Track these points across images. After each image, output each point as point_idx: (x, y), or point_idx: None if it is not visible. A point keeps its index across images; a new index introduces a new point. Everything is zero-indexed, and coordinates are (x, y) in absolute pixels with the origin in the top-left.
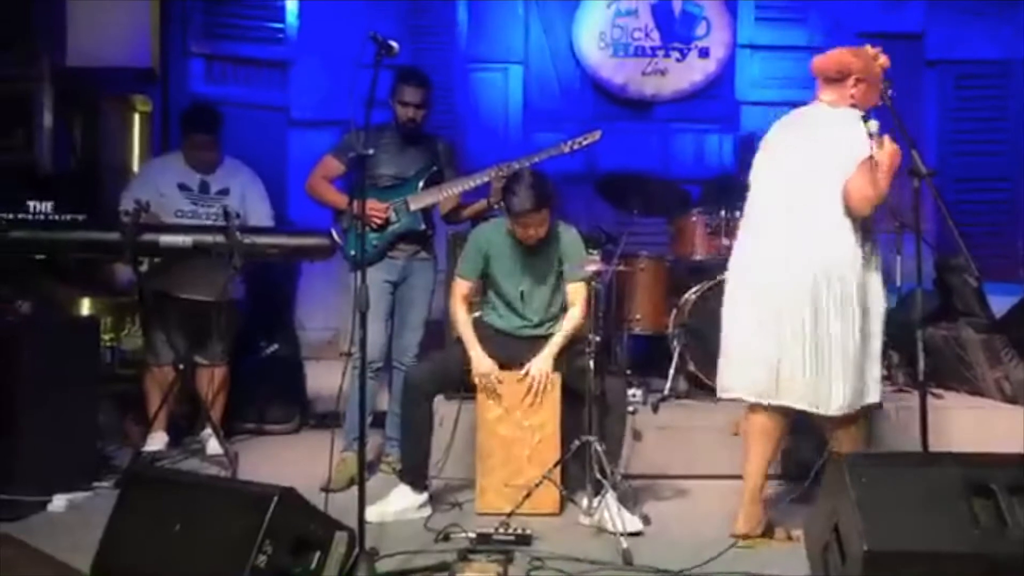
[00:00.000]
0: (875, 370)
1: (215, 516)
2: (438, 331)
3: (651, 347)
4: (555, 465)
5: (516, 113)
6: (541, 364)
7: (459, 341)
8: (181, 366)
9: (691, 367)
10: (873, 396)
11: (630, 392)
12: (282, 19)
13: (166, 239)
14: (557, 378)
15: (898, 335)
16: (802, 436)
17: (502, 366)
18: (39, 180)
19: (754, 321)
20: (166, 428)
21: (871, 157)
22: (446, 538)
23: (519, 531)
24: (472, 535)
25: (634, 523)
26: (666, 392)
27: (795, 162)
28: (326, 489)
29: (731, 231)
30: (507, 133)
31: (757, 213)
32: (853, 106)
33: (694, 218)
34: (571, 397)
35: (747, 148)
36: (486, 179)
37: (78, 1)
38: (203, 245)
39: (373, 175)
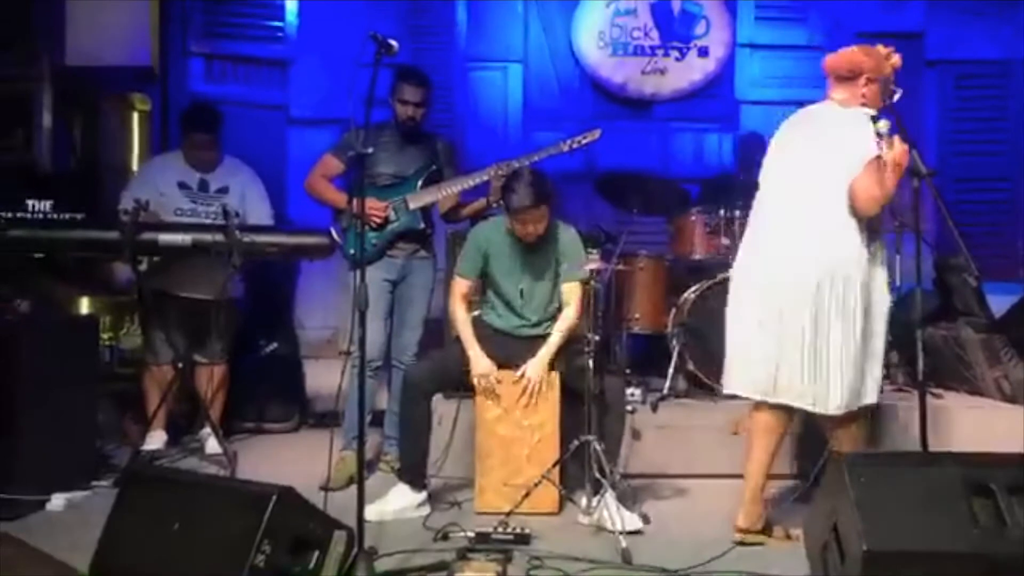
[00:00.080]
0: (876, 371)
1: (214, 515)
2: (437, 330)
3: (650, 346)
4: (554, 465)
5: (515, 112)
6: (536, 367)
7: (458, 340)
8: (180, 365)
9: (690, 366)
10: (871, 397)
11: (629, 391)
12: (282, 18)
13: (165, 238)
14: (556, 378)
15: (898, 335)
16: (803, 435)
17: (501, 366)
18: (38, 179)
19: (756, 320)
20: (165, 427)
21: (879, 157)
22: (445, 537)
23: (518, 530)
24: (471, 534)
25: (633, 522)
26: (665, 391)
27: (802, 161)
28: (325, 488)
29: (730, 230)
30: (506, 132)
31: (764, 211)
32: (864, 105)
33: (693, 217)
34: (570, 396)
35: (747, 147)
36: (485, 178)
37: (77, 0)
38: (202, 244)
39: (372, 174)
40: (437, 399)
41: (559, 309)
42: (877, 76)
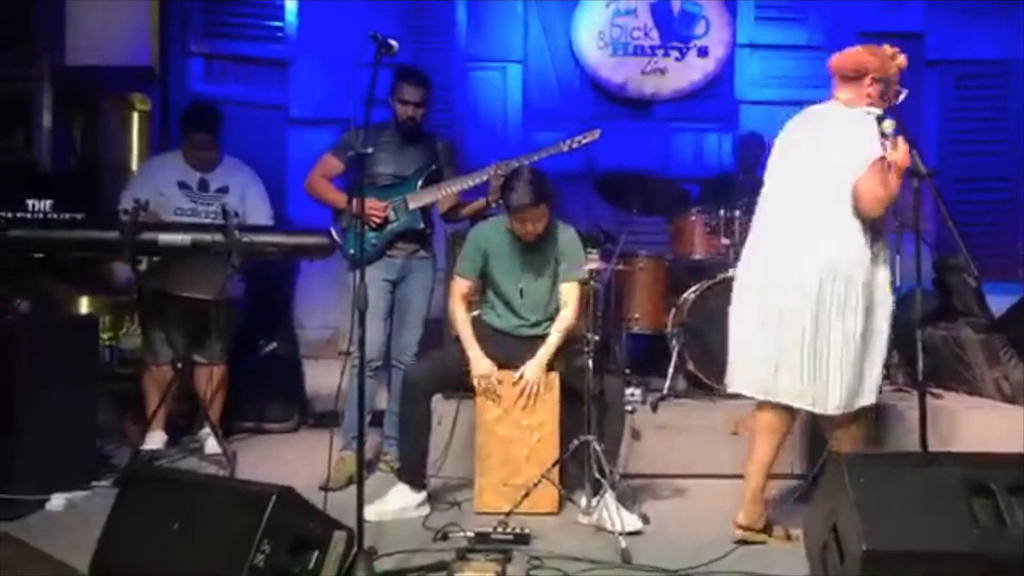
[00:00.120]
0: (875, 372)
1: (213, 515)
2: (437, 330)
3: (650, 346)
4: (554, 465)
5: (515, 112)
6: (534, 369)
7: (458, 340)
8: (180, 365)
9: (690, 366)
10: (869, 398)
11: (629, 391)
12: (281, 18)
13: (165, 238)
14: (556, 378)
15: (898, 335)
16: (803, 436)
17: (500, 366)
18: (38, 179)
19: (757, 319)
20: (165, 427)
21: (883, 158)
22: (444, 537)
23: (517, 530)
24: (470, 534)
25: (633, 522)
26: (665, 391)
27: (806, 160)
28: (325, 488)
29: (730, 230)
30: (506, 132)
31: (767, 210)
32: (870, 105)
33: (693, 217)
34: (570, 396)
35: (746, 147)
36: (485, 178)
37: (77, 0)
38: (202, 244)
39: (372, 174)
40: (437, 399)
41: (558, 309)
42: (882, 76)
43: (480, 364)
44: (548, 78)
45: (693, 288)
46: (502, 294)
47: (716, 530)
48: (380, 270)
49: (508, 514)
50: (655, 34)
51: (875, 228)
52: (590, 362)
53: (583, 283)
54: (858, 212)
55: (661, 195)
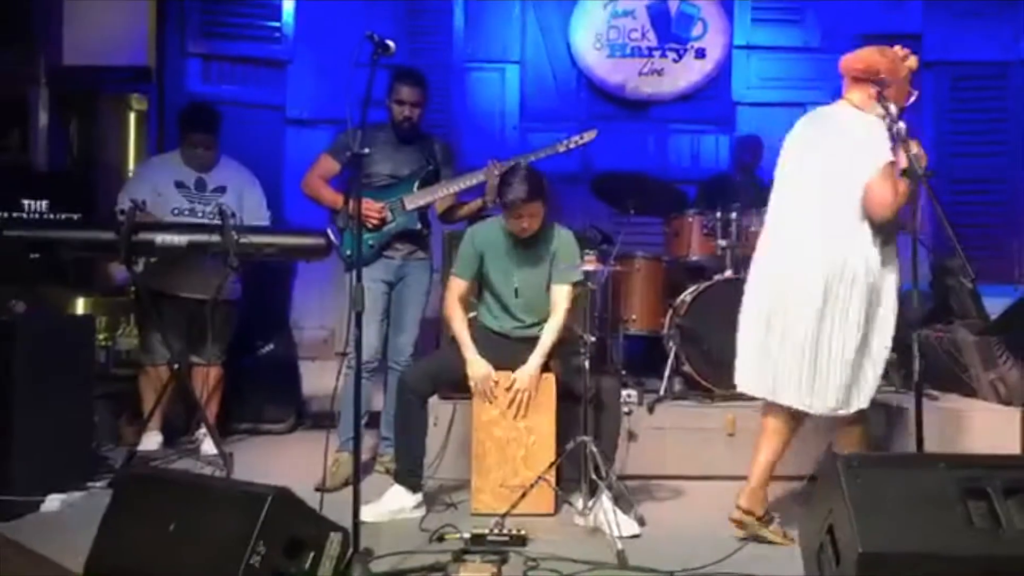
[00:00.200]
0: (871, 376)
1: (209, 516)
2: (434, 331)
3: (647, 347)
4: (550, 466)
5: (512, 113)
6: (525, 375)
7: (454, 341)
8: (176, 366)
9: (686, 368)
10: (861, 402)
11: (625, 392)
12: (279, 18)
13: (161, 238)
14: (552, 379)
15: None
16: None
17: (497, 367)
18: (35, 179)
19: (763, 319)
20: (161, 428)
21: (893, 162)
22: (441, 539)
23: (514, 531)
24: (467, 535)
25: (630, 526)
26: (661, 393)
27: (816, 161)
28: (321, 489)
29: (727, 232)
30: (503, 133)
31: (777, 211)
32: (881, 107)
33: (690, 219)
34: (566, 397)
35: (743, 149)
36: (482, 178)
37: (75, 0)
38: (198, 244)
39: (369, 174)
40: (433, 401)
41: None
42: (893, 77)
43: (476, 365)
44: (545, 79)
45: (690, 289)
46: (497, 295)
47: (713, 531)
48: (377, 271)
49: (504, 515)
50: (652, 35)
51: (885, 230)
52: (586, 363)
53: (576, 286)
54: (867, 215)
55: (658, 196)
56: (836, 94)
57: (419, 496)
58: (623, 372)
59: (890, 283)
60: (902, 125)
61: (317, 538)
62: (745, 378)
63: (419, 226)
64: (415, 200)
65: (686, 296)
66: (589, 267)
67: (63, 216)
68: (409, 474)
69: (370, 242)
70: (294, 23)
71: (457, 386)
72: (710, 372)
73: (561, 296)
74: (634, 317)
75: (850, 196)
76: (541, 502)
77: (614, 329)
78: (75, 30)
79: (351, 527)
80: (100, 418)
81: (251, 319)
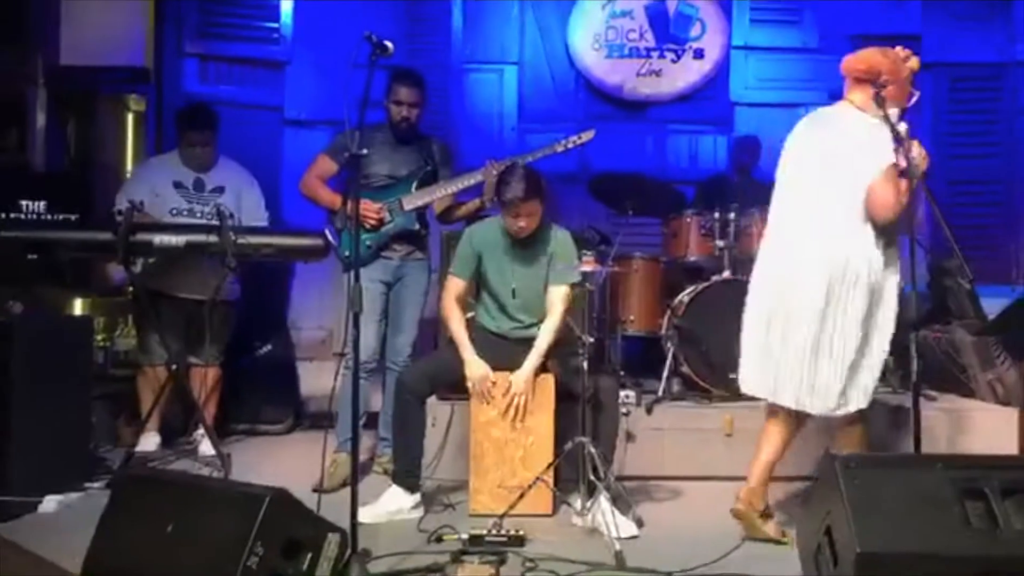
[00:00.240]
0: (868, 377)
1: (207, 517)
2: (432, 332)
3: (645, 348)
4: (548, 467)
5: (511, 114)
6: (521, 379)
7: (452, 342)
8: (174, 366)
9: (684, 368)
10: (861, 402)
11: (624, 393)
12: (277, 19)
13: (159, 239)
14: (551, 380)
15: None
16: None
17: (495, 368)
18: (32, 179)
19: (764, 320)
20: (159, 429)
21: (895, 164)
22: (439, 539)
23: (512, 532)
24: (465, 536)
25: (628, 528)
26: (660, 393)
27: (818, 163)
28: (319, 490)
29: (725, 232)
30: (502, 134)
31: (779, 212)
32: (882, 108)
33: (688, 219)
34: (565, 398)
35: (741, 150)
36: (480, 178)
37: (73, 0)
38: (196, 245)
39: (367, 175)
40: (431, 401)
41: None
42: (895, 78)
43: (474, 366)
44: (544, 80)
45: (688, 290)
46: (495, 295)
47: (711, 532)
48: (375, 272)
49: (503, 516)
50: (651, 36)
51: (887, 232)
52: (585, 364)
53: (573, 287)
54: (870, 216)
55: (656, 197)
56: (834, 95)
57: (417, 497)
58: (621, 373)
59: (892, 284)
60: (904, 126)
61: (315, 539)
62: (748, 379)
63: (417, 227)
64: (413, 201)
65: (684, 297)
66: (587, 268)
67: (61, 217)
68: (407, 475)
69: (368, 243)
70: (292, 24)
71: (455, 387)
72: (708, 373)
73: (558, 297)
74: (632, 318)
75: (852, 197)
76: (539, 503)
77: (612, 330)
78: (72, 30)
79: (349, 528)
80: (98, 419)
81: (249, 320)
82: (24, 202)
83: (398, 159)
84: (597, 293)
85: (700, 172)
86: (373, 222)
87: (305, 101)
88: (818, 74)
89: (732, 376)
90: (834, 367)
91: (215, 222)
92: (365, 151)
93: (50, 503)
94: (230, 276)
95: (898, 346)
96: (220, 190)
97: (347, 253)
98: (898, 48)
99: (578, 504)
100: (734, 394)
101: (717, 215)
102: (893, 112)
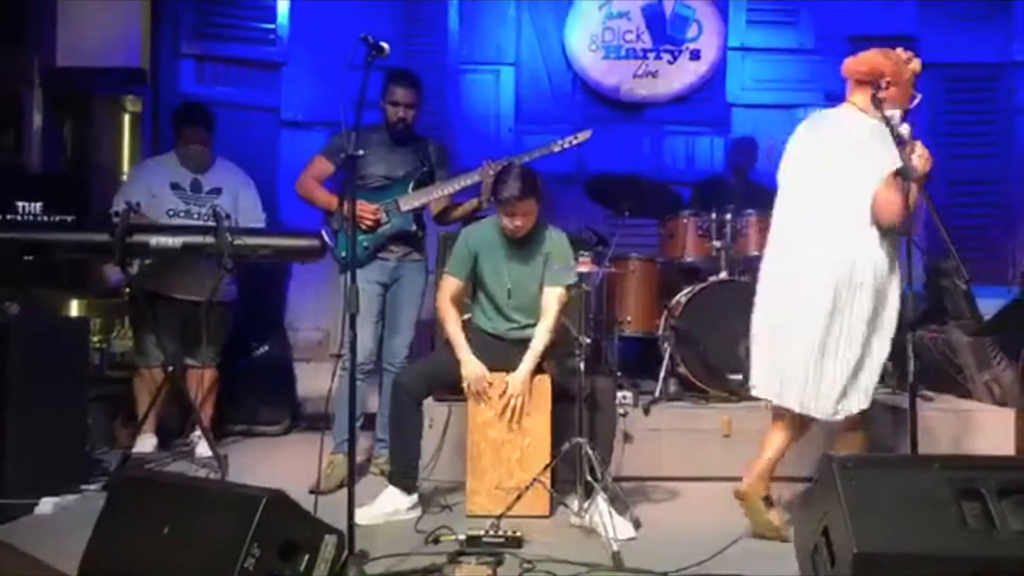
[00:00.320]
0: (868, 379)
1: (203, 519)
2: (429, 333)
3: (641, 349)
4: (545, 467)
5: (508, 115)
6: (518, 381)
7: (449, 343)
8: (171, 368)
9: (682, 369)
10: (862, 403)
11: (620, 394)
12: (273, 20)
13: (156, 240)
14: (547, 381)
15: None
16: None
17: (492, 369)
18: (28, 180)
19: (770, 323)
20: (155, 430)
21: (896, 172)
22: (436, 540)
23: (509, 533)
24: (462, 537)
25: (626, 529)
26: (656, 394)
27: (822, 166)
28: (316, 491)
29: (722, 233)
30: (498, 135)
31: (784, 215)
32: (884, 110)
33: (685, 220)
34: (561, 399)
35: (738, 151)
36: (477, 178)
37: (69, 1)
38: (193, 246)
39: (363, 176)
40: (428, 402)
41: None
42: (897, 79)
43: (470, 365)
44: (540, 81)
45: (685, 291)
46: (491, 296)
47: (709, 532)
48: (372, 273)
49: (500, 517)
50: (647, 37)
51: (891, 234)
52: (582, 364)
53: (569, 288)
54: (875, 220)
55: (653, 198)
56: (831, 96)
57: (414, 498)
58: (618, 373)
59: (895, 285)
60: (906, 127)
61: (312, 540)
62: (757, 382)
63: (414, 227)
64: (410, 201)
65: (681, 297)
66: (584, 269)
67: (57, 218)
68: (404, 475)
69: (364, 244)
70: (288, 25)
71: (452, 388)
72: (705, 373)
73: (552, 298)
74: (629, 319)
75: (856, 200)
76: (536, 504)
77: (609, 331)
78: (69, 31)
79: (346, 529)
80: (94, 420)
81: (246, 321)
82: (20, 203)
83: (394, 160)
84: (594, 294)
85: (697, 173)
86: (370, 223)
87: (301, 102)
88: (815, 75)
89: (729, 377)
90: (839, 369)
91: (212, 223)
92: (361, 152)
93: (46, 505)
94: (227, 277)
95: (895, 347)
96: (217, 191)
97: (344, 254)
98: (900, 50)
99: (575, 505)
100: (731, 395)
101: (714, 216)
102: (895, 114)
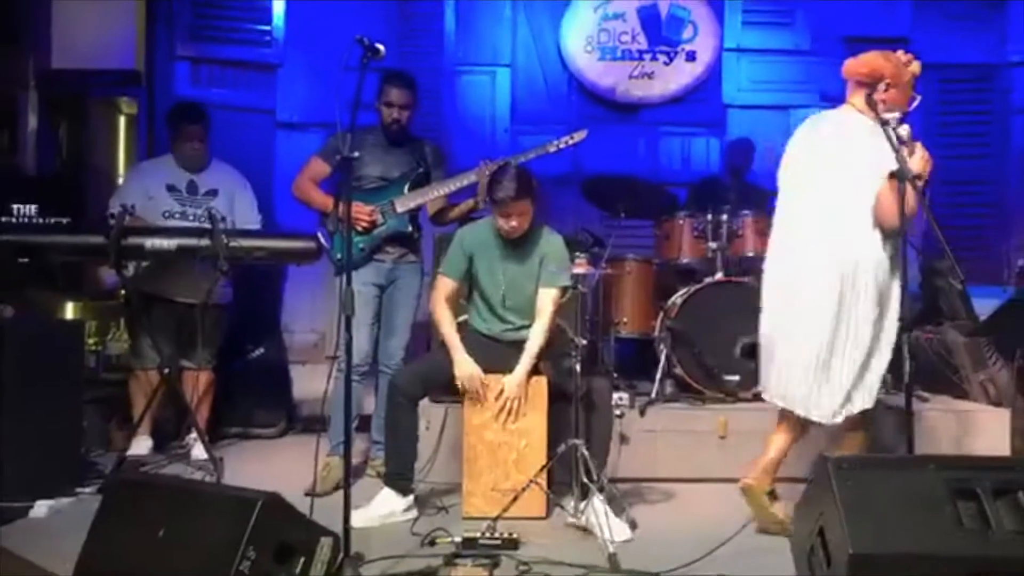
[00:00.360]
0: (874, 376)
1: (199, 521)
2: (424, 334)
3: (638, 350)
4: (542, 469)
5: (503, 116)
6: (513, 383)
7: (444, 344)
8: (167, 370)
9: (678, 370)
10: (866, 402)
11: (617, 395)
12: (269, 22)
13: (151, 243)
14: (543, 382)
15: None
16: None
17: (487, 370)
18: (23, 182)
19: (775, 326)
20: (151, 433)
21: (894, 175)
22: (432, 542)
23: (506, 535)
24: (458, 539)
25: (622, 531)
26: (653, 395)
27: (821, 166)
28: (311, 494)
29: (718, 234)
30: (494, 136)
31: (783, 216)
32: (884, 111)
33: (681, 221)
34: (558, 400)
35: (734, 152)
36: (473, 179)
37: (64, 2)
38: (188, 248)
39: (359, 177)
40: (424, 404)
41: None
42: (896, 81)
43: (464, 365)
44: (536, 82)
45: (681, 292)
46: (486, 297)
47: (705, 534)
48: (367, 274)
49: (496, 519)
50: (643, 38)
51: (893, 236)
52: (578, 365)
53: (564, 290)
54: (879, 222)
55: (649, 199)
56: (826, 97)
57: (410, 499)
58: (614, 375)
59: (896, 286)
60: (906, 129)
61: (307, 543)
62: (766, 385)
63: (410, 229)
64: (406, 202)
65: (677, 299)
66: (580, 270)
67: (52, 220)
68: (399, 477)
69: (360, 245)
70: (284, 27)
71: (448, 389)
72: (701, 375)
73: (547, 300)
74: (625, 320)
75: (858, 201)
76: (533, 505)
77: (605, 332)
78: (64, 33)
79: (342, 531)
80: (89, 423)
81: (242, 323)
82: (15, 205)
83: (390, 161)
84: (590, 295)
85: (692, 174)
86: (365, 224)
87: (297, 104)
88: (810, 76)
89: (725, 378)
90: (846, 370)
91: (207, 225)
92: (357, 153)
93: (41, 508)
94: (222, 279)
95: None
96: (213, 193)
97: (339, 256)
98: (899, 52)
99: (571, 506)
100: (727, 396)
101: (710, 217)
102: (893, 115)
